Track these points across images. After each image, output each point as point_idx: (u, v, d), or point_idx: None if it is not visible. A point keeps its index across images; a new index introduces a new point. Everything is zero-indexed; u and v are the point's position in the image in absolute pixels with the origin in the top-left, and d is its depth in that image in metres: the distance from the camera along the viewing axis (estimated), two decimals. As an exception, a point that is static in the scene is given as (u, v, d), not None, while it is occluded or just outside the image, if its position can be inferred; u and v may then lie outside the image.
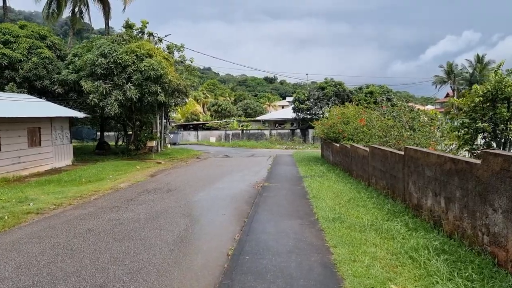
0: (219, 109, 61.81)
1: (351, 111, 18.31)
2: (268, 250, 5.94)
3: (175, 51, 31.11)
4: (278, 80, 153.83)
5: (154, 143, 25.94)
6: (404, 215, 7.19)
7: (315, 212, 8.35)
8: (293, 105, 44.13)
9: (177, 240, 6.95)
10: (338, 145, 16.61)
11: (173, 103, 25.59)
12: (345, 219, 7.30)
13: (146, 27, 29.12)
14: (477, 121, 11.50)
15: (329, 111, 25.65)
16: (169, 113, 32.94)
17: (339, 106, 19.57)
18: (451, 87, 67.21)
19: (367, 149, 11.12)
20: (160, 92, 22.17)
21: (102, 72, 21.80)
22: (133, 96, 21.45)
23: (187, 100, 27.32)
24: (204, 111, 71.20)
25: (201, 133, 47.13)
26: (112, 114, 21.81)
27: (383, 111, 15.74)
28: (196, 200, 11.06)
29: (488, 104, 11.48)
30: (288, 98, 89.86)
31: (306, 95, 41.99)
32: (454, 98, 12.45)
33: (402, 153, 8.03)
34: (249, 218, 8.24)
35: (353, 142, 14.75)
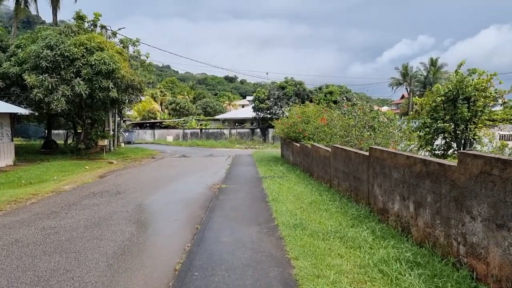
0: (178, 107, 60.28)
1: (312, 110, 17.92)
2: (221, 265, 5.21)
3: (129, 45, 29.66)
4: (239, 80, 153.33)
5: (106, 142, 24.48)
6: (369, 220, 6.69)
7: (274, 217, 7.70)
8: (253, 104, 43.59)
9: (118, 253, 6.07)
10: (298, 145, 16.14)
11: (127, 100, 24.23)
12: (307, 225, 6.70)
13: (99, 19, 27.48)
14: (438, 121, 11.34)
15: (289, 110, 25.29)
16: (123, 111, 31.39)
17: (300, 105, 19.15)
18: (406, 89, 69.16)
19: (329, 149, 10.65)
20: (112, 87, 20.85)
21: (48, 65, 20.19)
22: (82, 92, 20.00)
23: (142, 97, 26.02)
24: (162, 110, 69.30)
25: (158, 131, 45.57)
26: (59, 110, 20.25)
27: (344, 111, 15.43)
28: (146, 204, 10.14)
29: (449, 103, 11.34)
30: (248, 97, 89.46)
31: (266, 94, 41.57)
32: (416, 97, 12.17)
33: (367, 154, 7.55)
34: (202, 225, 7.47)
35: (314, 142, 14.30)
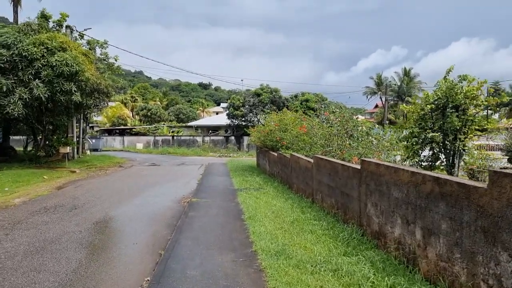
0: (149, 114, 58.46)
1: (290, 117, 17.01)
2: (186, 312, 4.08)
3: (97, 47, 28.10)
4: (213, 86, 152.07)
5: (68, 149, 22.79)
6: (364, 246, 5.70)
7: (252, 240, 6.61)
8: (227, 111, 42.50)
9: (58, 292, 4.85)
10: (276, 154, 15.15)
11: (93, 105, 22.66)
12: (292, 253, 5.65)
13: (65, 20, 25.85)
14: (427, 131, 10.59)
15: (265, 118, 24.36)
16: (89, 116, 29.64)
17: (277, 113, 18.24)
18: (380, 98, 69.67)
19: (311, 160, 9.68)
20: (75, 91, 19.32)
21: (4, 65, 18.49)
22: (41, 95, 18.39)
23: (109, 102, 24.47)
24: (133, 116, 67.20)
25: (127, 138, 43.72)
26: (16, 115, 18.55)
27: (323, 119, 14.57)
28: (105, 221, 8.86)
29: (437, 112, 10.62)
30: (222, 104, 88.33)
31: (241, 101, 40.59)
32: (404, 105, 11.34)
33: (358, 167, 6.60)
34: (166, 251, 6.29)
35: (293, 151, 13.35)
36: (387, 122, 43.79)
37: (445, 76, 10.66)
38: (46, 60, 18.95)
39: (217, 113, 76.65)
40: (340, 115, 13.39)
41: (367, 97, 73.91)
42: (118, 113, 59.91)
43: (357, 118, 15.33)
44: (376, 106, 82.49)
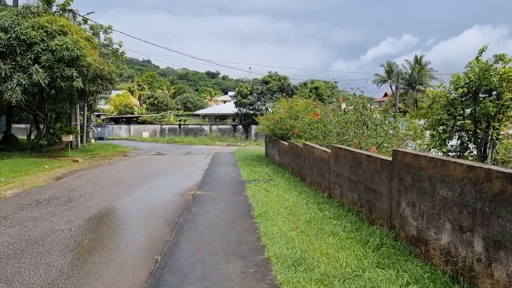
0: (156, 102, 57.63)
1: (301, 104, 15.94)
2: None
3: (101, 32, 27.17)
4: (221, 75, 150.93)
5: (71, 138, 21.99)
6: (403, 257, 4.66)
7: (264, 244, 5.66)
8: (235, 100, 41.44)
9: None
10: (286, 143, 14.14)
11: (96, 92, 21.72)
12: (312, 262, 4.69)
13: (69, 4, 24.92)
14: (457, 118, 9.51)
15: (273, 106, 23.33)
16: (94, 104, 28.81)
17: (287, 99, 17.18)
18: (390, 86, 68.04)
19: (328, 150, 8.66)
20: (76, 77, 18.40)
21: (1, 49, 17.60)
22: (41, 81, 17.49)
23: (115, 90, 23.58)
24: (140, 104, 66.43)
25: (133, 127, 42.93)
26: (14, 102, 17.71)
27: (337, 105, 13.51)
28: (100, 217, 7.97)
29: (468, 97, 9.52)
30: (230, 93, 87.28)
31: (249, 89, 39.47)
32: (430, 89, 10.13)
33: (389, 158, 5.58)
34: (163, 258, 5.36)
35: (305, 140, 12.34)
36: (398, 110, 42.38)
37: (477, 57, 9.53)
38: (46, 44, 18.02)
39: (224, 102, 75.62)
40: (355, 101, 12.35)
41: (377, 85, 72.29)
42: (125, 101, 59.16)
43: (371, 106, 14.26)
44: (385, 95, 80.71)
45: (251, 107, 39.38)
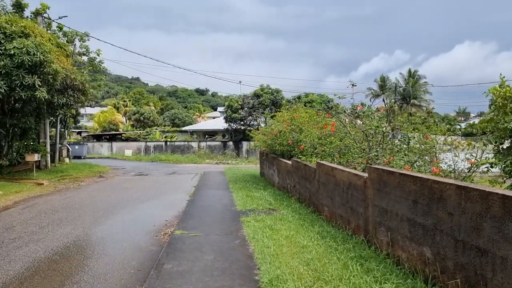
0: (142, 118, 54.81)
1: (305, 115, 13.42)
2: None
3: (76, 40, 24.57)
4: (210, 92, 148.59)
5: (36, 157, 19.08)
6: None
7: None
8: (225, 115, 38.88)
9: None
10: (290, 162, 11.54)
11: (66, 104, 18.85)
12: None
13: (45, 12, 22.43)
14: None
15: (268, 119, 20.80)
16: (67, 119, 25.95)
17: (288, 110, 14.67)
18: (383, 100, 66.36)
19: (365, 174, 6.05)
20: (39, 85, 15.70)
21: None
22: (-5, 90, 14.78)
23: (85, 101, 20.81)
24: (125, 121, 63.55)
25: (116, 144, 39.98)
26: (-36, 115, 14.93)
27: (354, 115, 10.97)
28: (19, 283, 5.22)
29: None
30: (219, 108, 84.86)
31: (240, 103, 36.97)
32: (497, 87, 7.43)
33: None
34: None
35: (317, 158, 9.76)
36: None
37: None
38: (3, 47, 15.37)
39: (214, 118, 72.99)
40: (372, 111, 9.91)
41: (370, 100, 70.53)
42: (110, 118, 56.28)
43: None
44: (378, 110, 78.90)
45: (242, 122, 36.85)
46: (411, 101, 62.89)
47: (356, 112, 10.43)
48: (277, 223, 7.71)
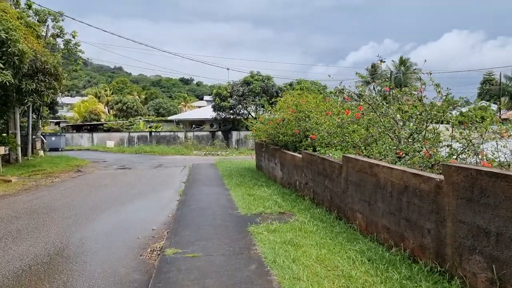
0: (125, 108, 52.32)
1: (312, 100, 11.64)
2: None
3: (49, 19, 22.21)
4: (195, 82, 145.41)
5: (3, 150, 16.91)
6: None
7: None
8: (213, 103, 36.83)
9: None
10: (300, 155, 9.76)
11: (36, 90, 16.59)
12: None
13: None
14: None
15: (266, 106, 18.99)
16: (41, 108, 23.63)
17: (291, 95, 12.86)
18: (374, 88, 65.07)
19: (436, 176, 4.30)
20: (2, 68, 13.55)
21: None
22: (-50, 73, 12.59)
23: (59, 88, 18.56)
24: (107, 111, 60.81)
25: (97, 135, 37.62)
26: None
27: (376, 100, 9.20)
28: None
29: None
30: (206, 97, 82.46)
31: (229, 90, 34.96)
32: None
33: None
34: None
35: (337, 149, 8.02)
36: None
37: None
38: (-42, 24, 13.17)
39: (199, 107, 70.63)
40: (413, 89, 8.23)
41: (356, 88, 69.14)
42: (91, 107, 53.55)
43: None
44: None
45: (231, 111, 34.92)
46: (403, 88, 61.77)
47: (386, 94, 8.70)
48: (298, 236, 5.94)
